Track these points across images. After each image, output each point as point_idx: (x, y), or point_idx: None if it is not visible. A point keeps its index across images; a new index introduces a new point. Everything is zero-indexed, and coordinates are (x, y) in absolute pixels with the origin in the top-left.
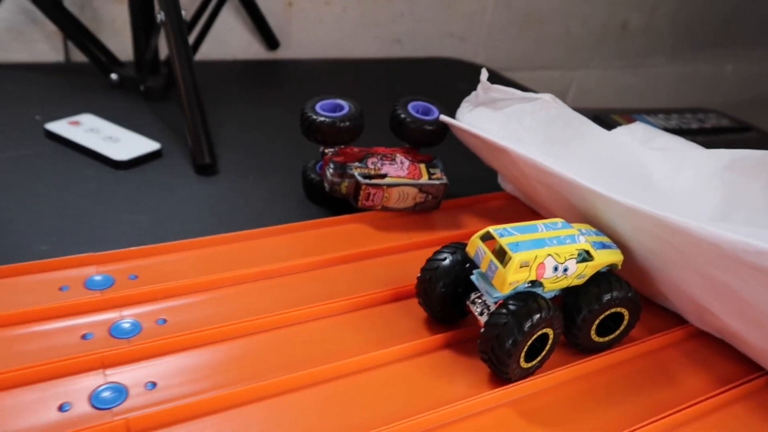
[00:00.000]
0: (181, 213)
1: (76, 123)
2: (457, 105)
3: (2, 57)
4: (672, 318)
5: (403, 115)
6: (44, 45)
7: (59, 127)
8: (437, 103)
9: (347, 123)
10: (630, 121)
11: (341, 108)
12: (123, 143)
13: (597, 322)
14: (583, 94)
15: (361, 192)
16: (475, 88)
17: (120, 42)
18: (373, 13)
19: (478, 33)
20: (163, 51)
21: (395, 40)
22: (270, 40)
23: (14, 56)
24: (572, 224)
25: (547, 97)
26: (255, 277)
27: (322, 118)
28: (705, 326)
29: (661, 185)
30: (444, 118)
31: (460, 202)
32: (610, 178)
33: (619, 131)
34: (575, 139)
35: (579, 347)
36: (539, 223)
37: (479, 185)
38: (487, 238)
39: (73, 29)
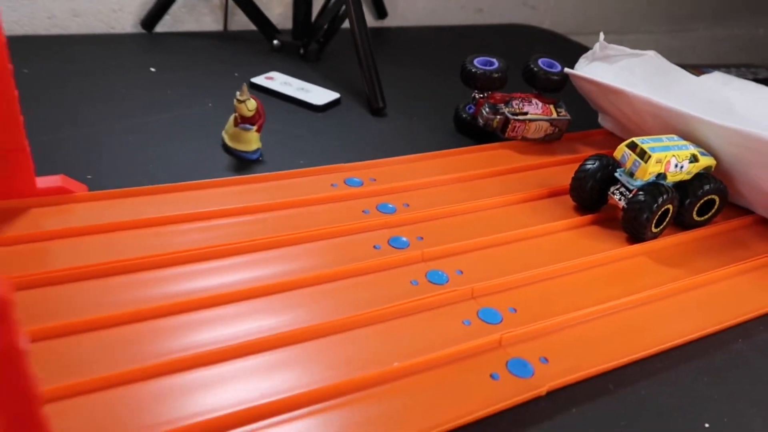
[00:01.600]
0: (370, 141)
1: (271, 78)
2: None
3: (178, 27)
4: (744, 210)
5: (535, 69)
6: (209, 17)
7: (260, 80)
8: (560, 59)
9: (499, 74)
10: (700, 73)
11: (492, 63)
12: (312, 93)
13: (698, 204)
14: None
15: (509, 125)
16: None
17: (270, 13)
18: None
19: (547, 2)
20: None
21: (478, 9)
22: (380, 10)
23: (186, 27)
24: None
25: (651, 53)
26: (452, 181)
27: (480, 71)
28: None
29: (742, 113)
30: (568, 70)
31: (572, 135)
32: (704, 109)
33: (704, 78)
34: (674, 83)
35: (683, 224)
36: (662, 136)
37: (580, 125)
38: (630, 146)
39: (246, 3)
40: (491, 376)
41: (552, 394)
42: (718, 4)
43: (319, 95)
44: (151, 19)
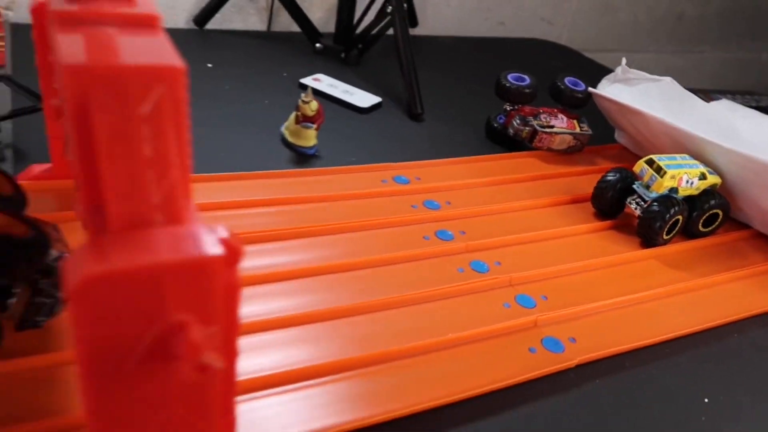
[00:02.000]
0: (410, 144)
1: (318, 79)
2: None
3: (226, 25)
4: (743, 225)
5: (562, 86)
6: (255, 17)
7: (308, 81)
8: (584, 79)
9: (530, 90)
10: (711, 100)
11: (523, 79)
12: (357, 96)
13: (704, 217)
14: None
15: (537, 136)
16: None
17: (311, 17)
18: (487, 1)
19: (564, 18)
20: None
21: (500, 22)
22: (412, 19)
23: (233, 25)
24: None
25: (668, 80)
26: (486, 183)
27: (514, 86)
28: (765, 228)
29: (746, 137)
30: (591, 89)
31: (591, 148)
32: (713, 133)
33: (714, 104)
34: (687, 108)
35: (690, 234)
36: (676, 155)
37: (598, 139)
38: (648, 162)
39: (292, 6)
40: (529, 349)
41: (579, 367)
42: (723, 29)
43: (362, 98)
44: (204, 16)
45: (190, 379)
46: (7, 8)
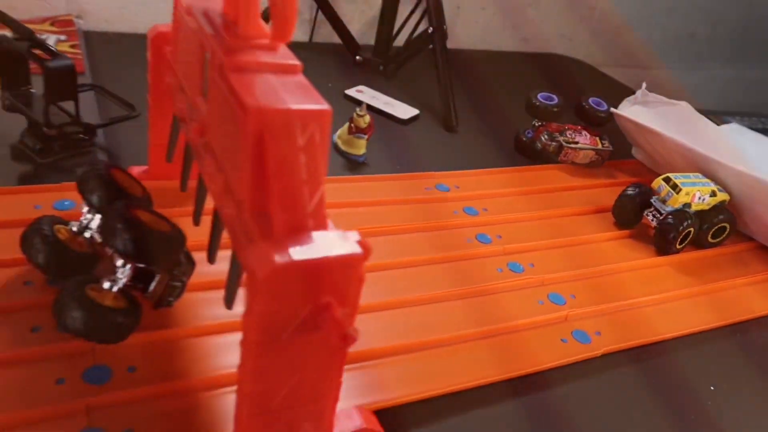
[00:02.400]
0: (447, 154)
1: (360, 91)
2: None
3: None
4: (747, 238)
5: (586, 106)
6: (299, 29)
7: (352, 92)
8: (598, 92)
9: (557, 108)
10: (722, 122)
11: (552, 98)
12: (396, 108)
13: (713, 230)
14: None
15: (563, 151)
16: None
17: (350, 29)
18: (512, 18)
19: (582, 35)
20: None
21: (523, 38)
22: None
23: None
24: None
25: (683, 104)
26: (518, 193)
27: (543, 105)
28: (767, 241)
29: (754, 160)
30: (613, 110)
31: (610, 163)
32: (722, 154)
33: (725, 127)
34: (700, 130)
35: (700, 244)
36: (690, 174)
37: (616, 155)
38: (665, 179)
39: (334, 19)
40: (561, 340)
41: (604, 356)
42: (732, 48)
43: (402, 110)
44: None
45: (335, 347)
46: (78, 17)
